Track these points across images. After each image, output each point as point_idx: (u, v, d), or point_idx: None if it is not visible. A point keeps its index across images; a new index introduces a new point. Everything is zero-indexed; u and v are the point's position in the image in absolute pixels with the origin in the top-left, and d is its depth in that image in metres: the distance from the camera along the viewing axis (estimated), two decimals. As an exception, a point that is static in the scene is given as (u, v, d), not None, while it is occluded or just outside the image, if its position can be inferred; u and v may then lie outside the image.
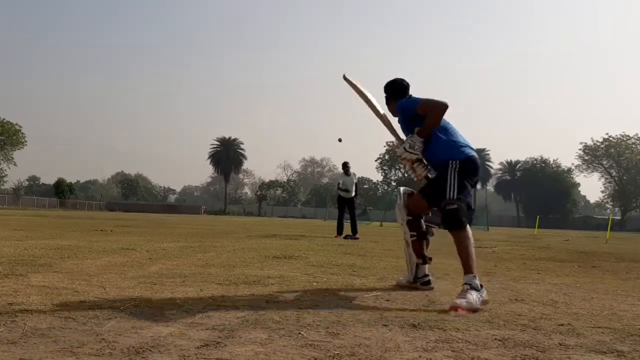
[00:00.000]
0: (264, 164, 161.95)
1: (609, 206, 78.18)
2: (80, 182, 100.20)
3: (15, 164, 60.14)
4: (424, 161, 3.29)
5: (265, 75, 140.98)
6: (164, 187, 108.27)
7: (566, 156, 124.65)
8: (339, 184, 10.89)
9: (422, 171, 3.29)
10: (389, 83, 3.54)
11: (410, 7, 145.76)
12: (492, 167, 74.95)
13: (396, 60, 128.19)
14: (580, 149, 70.26)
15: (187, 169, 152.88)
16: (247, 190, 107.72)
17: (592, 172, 71.40)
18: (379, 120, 3.65)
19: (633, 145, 68.27)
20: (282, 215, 62.53)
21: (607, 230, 18.22)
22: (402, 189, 3.53)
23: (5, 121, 57.71)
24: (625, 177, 69.06)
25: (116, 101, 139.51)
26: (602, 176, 71.44)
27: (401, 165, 3.99)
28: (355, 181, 10.84)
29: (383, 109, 3.65)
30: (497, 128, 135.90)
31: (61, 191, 56.67)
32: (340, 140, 11.01)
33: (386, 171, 74.04)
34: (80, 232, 8.87)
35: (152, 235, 8.65)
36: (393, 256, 5.92)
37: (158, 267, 4.08)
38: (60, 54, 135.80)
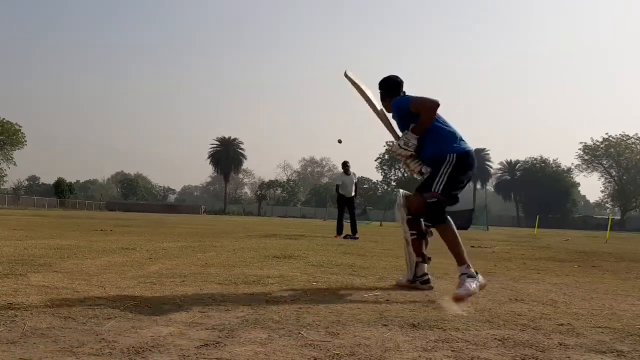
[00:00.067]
0: (264, 164, 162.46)
1: (609, 206, 78.18)
2: (80, 182, 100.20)
3: (15, 164, 60.31)
4: (418, 158, 3.41)
5: (265, 75, 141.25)
6: (164, 187, 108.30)
7: (566, 156, 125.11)
8: (337, 186, 10.90)
9: (416, 167, 3.41)
10: (384, 80, 3.64)
11: (410, 7, 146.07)
12: (492, 167, 75.04)
13: (396, 60, 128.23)
14: (580, 149, 70.44)
15: (187, 169, 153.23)
16: (247, 190, 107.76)
17: (592, 172, 71.50)
18: (378, 120, 3.71)
19: (633, 145, 68.28)
20: (282, 215, 62.51)
21: (607, 230, 18.22)
22: (401, 191, 3.61)
23: (5, 121, 57.76)
24: (625, 177, 69.06)
25: (116, 101, 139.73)
26: (602, 176, 71.58)
27: (401, 166, 4.08)
28: (355, 181, 10.84)
29: (382, 107, 3.71)
30: (497, 128, 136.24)
31: (61, 191, 56.68)
32: (340, 141, 11.00)
33: (386, 171, 74.09)
34: (80, 232, 8.87)
35: (152, 235, 8.65)
36: (393, 256, 5.92)
37: (158, 267, 4.09)
38: (60, 54, 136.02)
